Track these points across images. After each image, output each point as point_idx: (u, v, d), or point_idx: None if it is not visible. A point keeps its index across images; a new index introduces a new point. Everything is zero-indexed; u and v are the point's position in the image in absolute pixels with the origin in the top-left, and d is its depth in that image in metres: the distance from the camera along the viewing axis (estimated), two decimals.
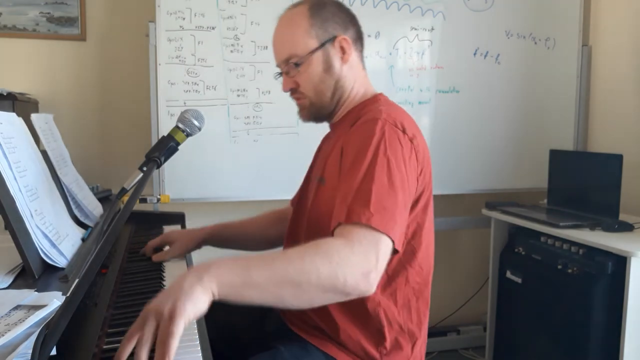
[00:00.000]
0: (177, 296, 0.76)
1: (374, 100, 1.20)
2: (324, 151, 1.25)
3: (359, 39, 1.24)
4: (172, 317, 0.74)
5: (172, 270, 1.29)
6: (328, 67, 1.18)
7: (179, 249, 1.37)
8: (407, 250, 1.11)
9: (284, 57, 1.20)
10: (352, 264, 0.87)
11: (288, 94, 1.24)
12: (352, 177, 0.99)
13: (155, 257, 1.33)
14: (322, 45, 1.16)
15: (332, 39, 1.17)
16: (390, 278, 1.11)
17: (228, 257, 0.85)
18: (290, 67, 1.19)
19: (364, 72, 1.26)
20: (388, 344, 1.11)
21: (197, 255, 1.45)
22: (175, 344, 0.72)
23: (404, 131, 1.06)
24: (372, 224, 0.91)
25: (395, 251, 0.95)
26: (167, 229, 1.72)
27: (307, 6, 1.19)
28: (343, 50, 1.18)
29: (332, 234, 0.96)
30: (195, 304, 0.76)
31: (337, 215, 0.96)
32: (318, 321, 1.13)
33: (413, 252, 1.12)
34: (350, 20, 1.22)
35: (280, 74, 1.24)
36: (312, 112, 1.23)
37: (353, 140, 1.06)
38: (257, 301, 0.84)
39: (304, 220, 1.21)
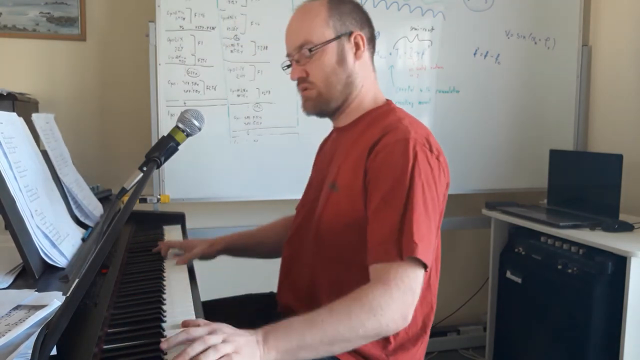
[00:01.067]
0: (245, 344, 0.85)
1: (390, 110, 1.19)
2: (336, 155, 1.22)
3: (372, 40, 1.24)
4: (236, 352, 0.83)
5: (172, 271, 1.29)
6: (341, 59, 1.18)
7: (200, 253, 1.40)
8: None
9: (298, 44, 1.18)
10: (393, 311, 0.94)
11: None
12: (393, 207, 1.00)
13: (179, 261, 1.36)
14: (338, 37, 1.17)
15: (349, 34, 1.18)
16: None
17: (281, 322, 0.92)
18: (302, 54, 1.18)
19: (374, 74, 1.26)
20: (392, 347, 1.12)
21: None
22: None
23: (431, 149, 1.07)
24: (416, 254, 0.96)
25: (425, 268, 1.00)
26: (167, 229, 1.72)
27: (327, 0, 1.20)
28: (357, 46, 1.18)
29: (371, 263, 1.00)
30: None
31: (386, 250, 0.98)
32: None
33: None
34: (366, 20, 1.23)
35: (289, 65, 1.24)
36: (318, 104, 1.21)
37: (387, 165, 1.05)
38: (311, 358, 0.92)
39: (312, 226, 1.20)
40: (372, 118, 1.19)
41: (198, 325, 0.89)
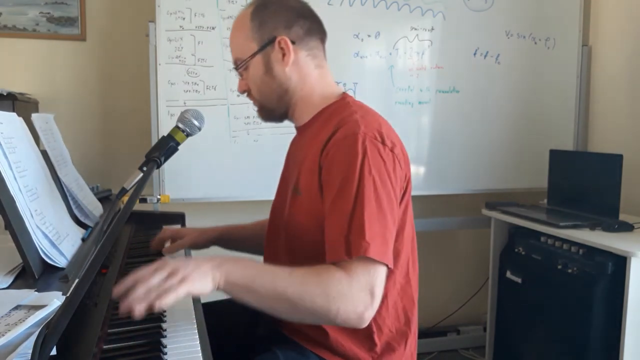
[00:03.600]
0: (193, 270, 0.88)
1: (344, 105, 1.15)
2: (296, 157, 1.21)
3: (310, 34, 1.17)
4: (182, 281, 0.86)
5: None
6: (268, 70, 1.15)
7: (189, 242, 1.40)
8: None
9: (233, 60, 1.20)
10: (347, 302, 0.93)
11: None
12: (342, 205, 0.99)
13: (166, 250, 1.36)
14: (261, 48, 1.14)
15: (272, 41, 1.13)
16: None
17: (243, 259, 0.95)
18: (239, 70, 1.19)
19: (320, 71, 1.19)
20: (379, 348, 1.11)
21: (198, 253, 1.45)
22: (172, 299, 0.84)
23: (383, 142, 1.04)
24: (369, 254, 0.95)
25: (388, 268, 0.99)
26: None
27: (252, 8, 1.17)
28: (283, 51, 1.14)
29: (328, 261, 0.99)
30: (202, 286, 0.89)
31: (336, 249, 0.97)
32: (306, 328, 1.12)
33: (397, 254, 1.10)
34: (297, 16, 1.16)
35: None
36: (263, 114, 1.22)
37: (336, 162, 1.03)
38: (253, 305, 0.94)
39: (281, 230, 1.19)
40: (327, 115, 1.16)
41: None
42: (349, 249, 0.95)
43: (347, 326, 0.98)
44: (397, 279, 1.13)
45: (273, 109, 1.20)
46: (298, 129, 1.25)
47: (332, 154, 1.04)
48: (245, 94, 1.22)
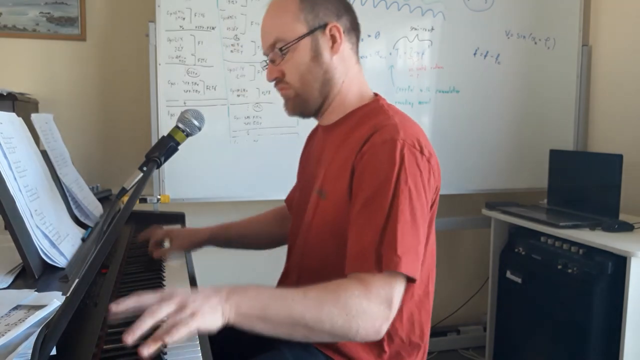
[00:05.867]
0: (202, 303, 0.82)
1: (379, 108, 1.11)
2: (323, 158, 1.16)
3: (353, 29, 1.14)
4: (193, 316, 0.80)
5: (172, 271, 1.29)
6: (316, 55, 1.09)
7: (179, 246, 1.38)
8: None
9: (270, 43, 1.11)
10: (367, 318, 0.89)
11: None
12: (374, 214, 0.95)
13: (156, 254, 1.35)
14: (311, 31, 1.08)
15: (323, 26, 1.08)
16: None
17: (251, 286, 0.89)
18: (276, 54, 1.10)
19: (358, 67, 1.16)
20: (387, 356, 1.09)
21: (198, 254, 1.45)
22: (183, 334, 0.78)
23: (421, 151, 1.00)
24: (400, 269, 0.91)
25: (414, 281, 0.96)
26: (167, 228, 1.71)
27: None
28: (334, 39, 1.09)
29: (349, 272, 0.95)
30: (213, 321, 0.82)
31: (364, 260, 0.93)
32: None
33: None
34: (344, 9, 1.13)
35: (268, 62, 1.15)
36: (297, 104, 1.14)
37: (371, 167, 0.98)
38: (267, 334, 0.88)
39: (301, 232, 1.17)
40: (360, 116, 1.11)
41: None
42: (379, 262, 0.91)
43: (365, 341, 0.95)
44: (415, 291, 1.10)
45: (311, 98, 1.13)
46: (324, 127, 1.20)
47: (368, 157, 1.00)
48: (274, 82, 1.14)
